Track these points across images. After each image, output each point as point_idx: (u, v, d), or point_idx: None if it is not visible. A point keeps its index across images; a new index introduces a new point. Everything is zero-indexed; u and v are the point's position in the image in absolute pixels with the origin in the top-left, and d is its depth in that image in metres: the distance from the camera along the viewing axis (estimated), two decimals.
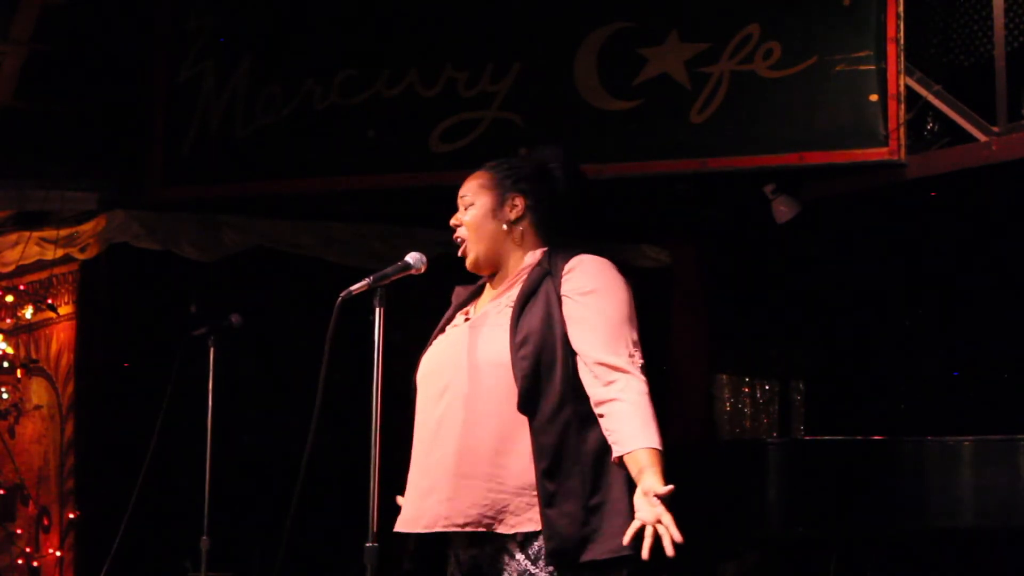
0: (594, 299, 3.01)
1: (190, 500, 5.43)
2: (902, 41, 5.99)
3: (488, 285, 3.24)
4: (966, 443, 5.40)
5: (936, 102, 6.01)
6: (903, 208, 6.63)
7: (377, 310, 3.05)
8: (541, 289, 3.04)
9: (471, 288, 3.28)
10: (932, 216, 6.62)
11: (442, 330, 3.21)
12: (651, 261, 7.92)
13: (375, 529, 2.97)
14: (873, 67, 5.99)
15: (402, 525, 3.10)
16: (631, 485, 2.91)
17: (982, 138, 5.88)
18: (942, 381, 6.89)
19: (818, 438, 6.12)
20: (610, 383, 2.94)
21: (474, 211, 3.18)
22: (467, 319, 3.18)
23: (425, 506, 3.05)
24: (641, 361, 2.98)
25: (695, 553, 3.03)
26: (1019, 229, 6.34)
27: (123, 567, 5.76)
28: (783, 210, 6.55)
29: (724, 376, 8.43)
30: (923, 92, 6.02)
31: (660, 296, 7.86)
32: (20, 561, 7.39)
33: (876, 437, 5.64)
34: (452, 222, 3.21)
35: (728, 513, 5.61)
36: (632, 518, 2.86)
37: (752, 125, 6.18)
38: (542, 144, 3.32)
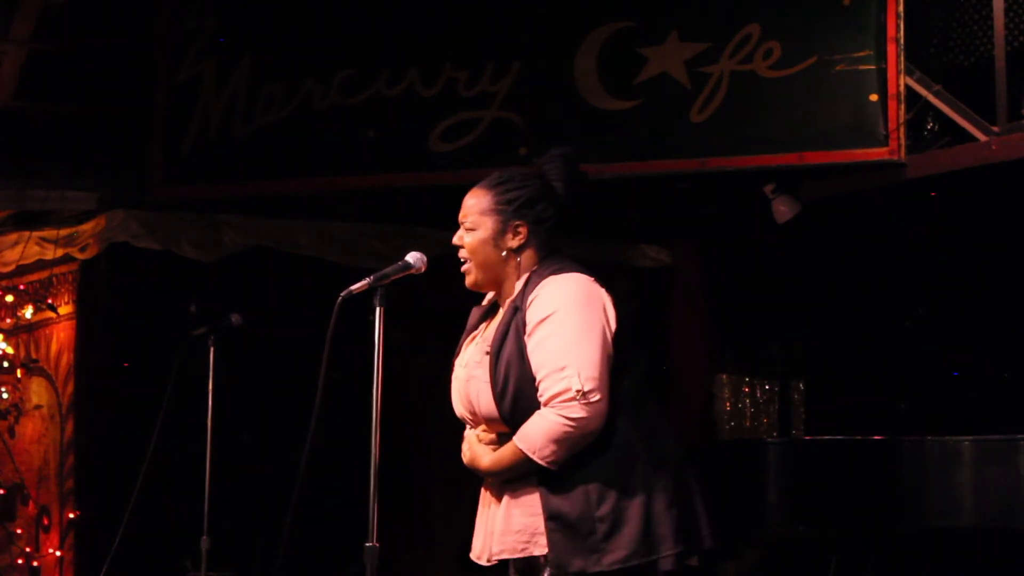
0: (543, 328, 2.98)
1: (190, 500, 5.43)
2: (902, 41, 5.99)
3: (498, 302, 3.21)
4: (966, 443, 5.39)
5: (936, 102, 6.02)
6: (903, 208, 6.63)
7: (377, 310, 3.05)
8: (511, 330, 3.02)
9: (483, 308, 3.26)
10: (932, 216, 6.62)
11: (457, 355, 3.22)
12: (651, 261, 7.92)
13: (375, 529, 2.97)
14: (873, 67, 5.99)
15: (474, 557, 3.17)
16: (646, 496, 2.93)
17: (982, 138, 5.88)
18: (942, 381, 6.87)
19: (818, 438, 6.11)
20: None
21: (476, 236, 3.12)
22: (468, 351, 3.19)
23: (479, 540, 3.14)
24: (592, 389, 2.92)
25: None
26: (1019, 229, 6.33)
27: (123, 567, 5.77)
28: (783, 210, 6.55)
29: (724, 376, 8.41)
30: (923, 92, 6.02)
31: (660, 296, 7.86)
32: (20, 561, 7.39)
33: (876, 437, 5.63)
34: (455, 242, 3.17)
35: (728, 513, 5.60)
36: (645, 530, 2.90)
37: (752, 125, 6.19)
38: (545, 150, 3.26)
